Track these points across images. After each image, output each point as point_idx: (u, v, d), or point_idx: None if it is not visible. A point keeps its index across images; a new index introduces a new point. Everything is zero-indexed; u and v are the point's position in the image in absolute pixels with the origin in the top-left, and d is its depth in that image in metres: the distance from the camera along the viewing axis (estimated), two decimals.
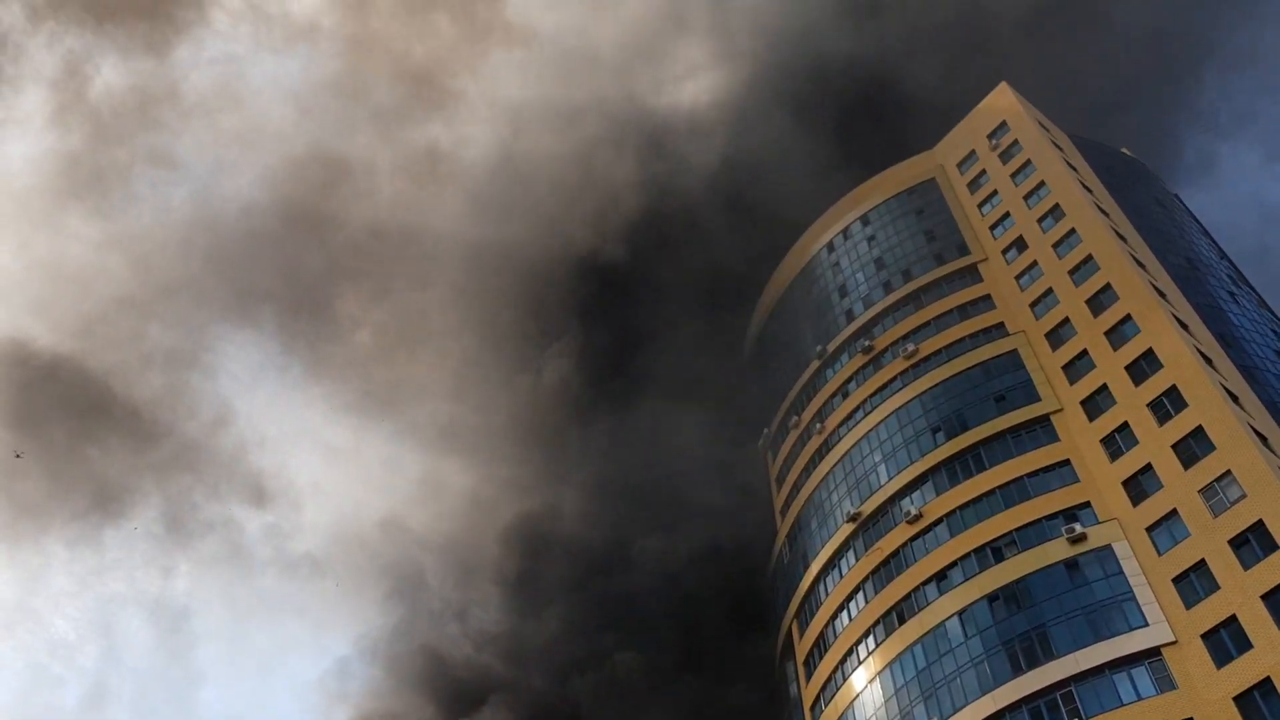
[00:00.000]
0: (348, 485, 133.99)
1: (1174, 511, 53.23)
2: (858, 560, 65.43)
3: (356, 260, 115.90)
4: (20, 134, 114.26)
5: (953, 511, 61.51)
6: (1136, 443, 57.33)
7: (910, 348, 74.18)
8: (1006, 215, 78.66)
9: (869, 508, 66.79)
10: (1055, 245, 72.16)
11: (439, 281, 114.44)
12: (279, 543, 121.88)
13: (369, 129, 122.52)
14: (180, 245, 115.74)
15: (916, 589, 60.00)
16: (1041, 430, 62.62)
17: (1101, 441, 59.24)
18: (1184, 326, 62.35)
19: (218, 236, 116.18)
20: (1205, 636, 48.16)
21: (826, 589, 67.28)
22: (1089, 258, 68.76)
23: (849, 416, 75.21)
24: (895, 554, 62.83)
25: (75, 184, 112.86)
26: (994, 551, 57.98)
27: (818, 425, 77.87)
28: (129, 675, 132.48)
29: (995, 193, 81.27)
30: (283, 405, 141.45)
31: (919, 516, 62.66)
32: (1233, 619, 47.69)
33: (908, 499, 64.71)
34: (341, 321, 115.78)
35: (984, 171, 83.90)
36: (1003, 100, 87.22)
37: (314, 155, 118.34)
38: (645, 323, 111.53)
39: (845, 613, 64.27)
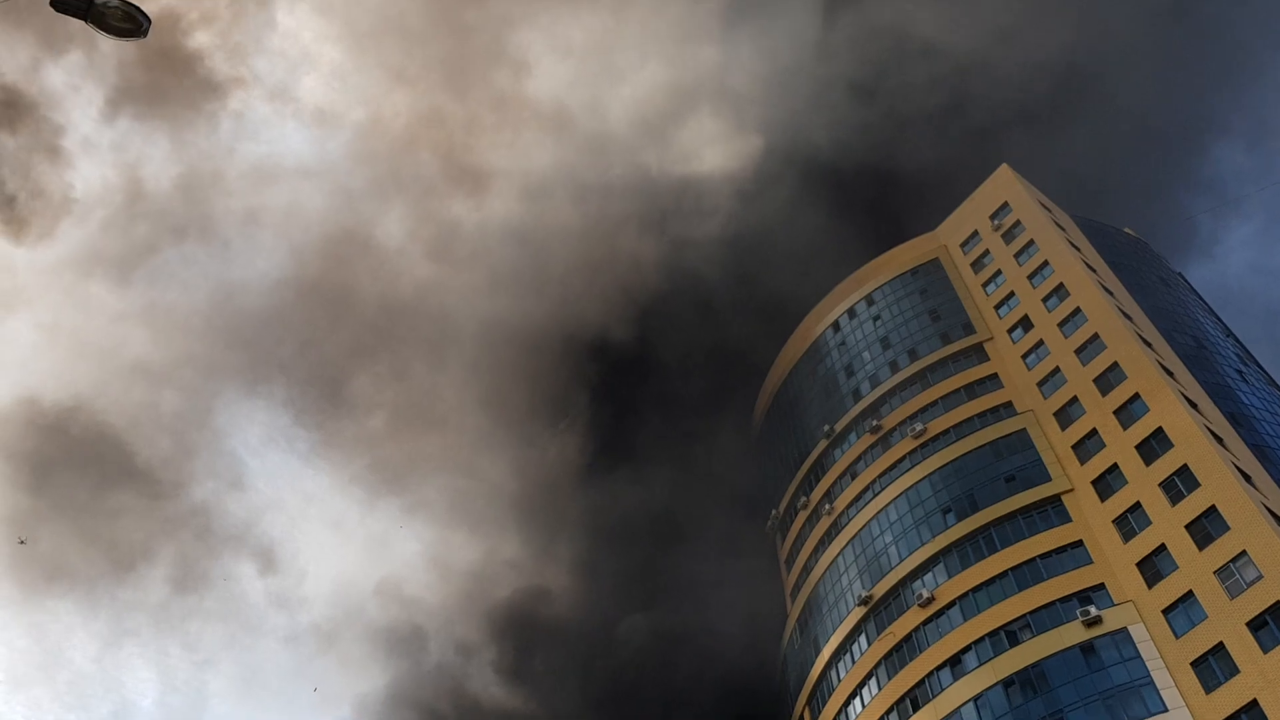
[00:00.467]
0: (353, 558, 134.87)
1: (1190, 593, 52.57)
2: (870, 645, 64.48)
3: (374, 337, 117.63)
4: (69, 213, 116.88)
5: (965, 594, 60.80)
6: (1149, 523, 56.86)
7: (918, 427, 74.01)
8: (1011, 295, 79.03)
9: (880, 590, 66.04)
10: (1061, 324, 72.37)
11: (454, 359, 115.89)
12: (284, 612, 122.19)
13: (393, 207, 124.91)
14: (202, 317, 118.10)
15: (930, 674, 59.03)
16: (1053, 510, 62.18)
17: (1114, 522, 58.78)
18: (1193, 405, 62.20)
19: (239, 310, 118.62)
20: None
21: (839, 675, 66.19)
22: (1095, 336, 68.90)
23: (858, 497, 74.79)
24: (908, 638, 61.96)
25: (106, 258, 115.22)
26: (1008, 635, 57.17)
27: (827, 506, 77.38)
28: None
29: (999, 272, 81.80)
30: (294, 477, 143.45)
31: (931, 599, 61.91)
32: (1254, 704, 46.83)
33: (919, 581, 64.00)
34: (355, 399, 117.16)
35: (987, 252, 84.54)
36: (1004, 182, 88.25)
37: (339, 233, 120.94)
38: (653, 402, 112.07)
39: (858, 699, 63.15)
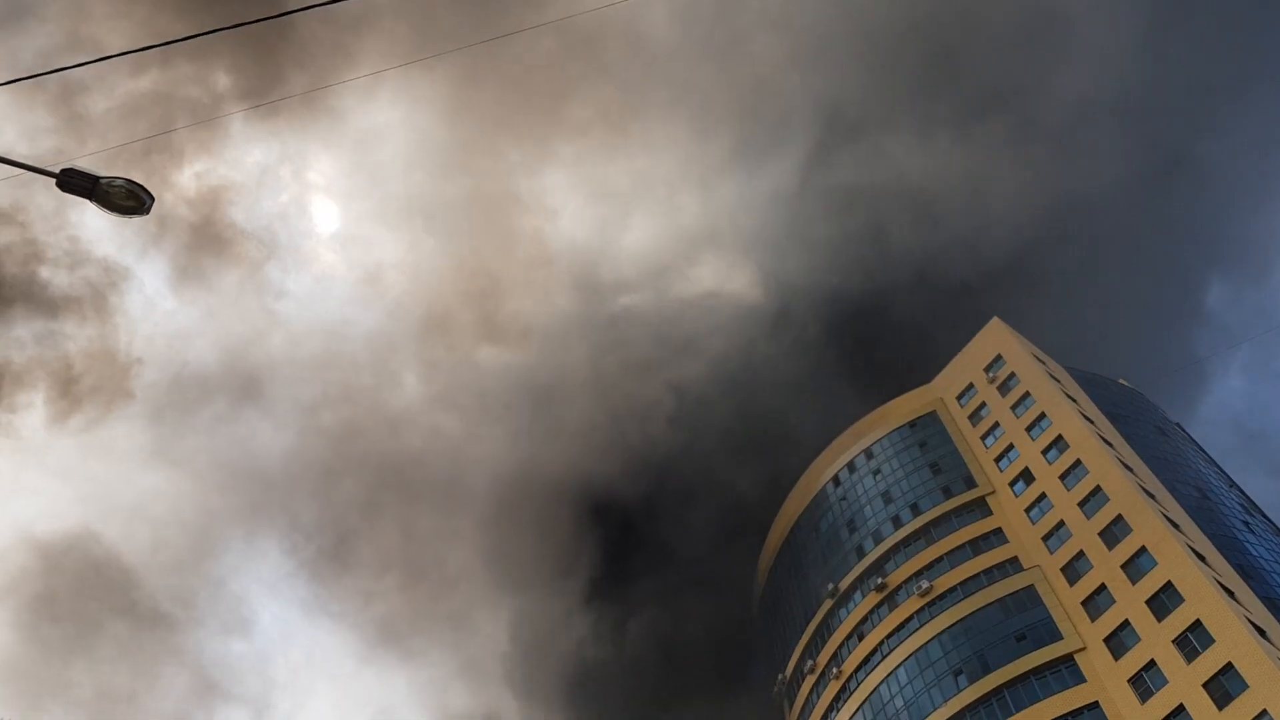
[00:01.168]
0: (347, 708, 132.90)
1: None
2: None
3: (385, 490, 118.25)
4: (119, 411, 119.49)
5: None
6: (1166, 682, 55.23)
7: (924, 585, 72.61)
8: (1010, 447, 78.80)
9: None
10: (1062, 477, 71.89)
11: (462, 514, 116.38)
12: None
13: (412, 360, 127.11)
14: (218, 466, 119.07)
15: None
16: (1066, 670, 60.47)
17: (1129, 681, 57.10)
18: (1201, 558, 61.21)
19: (254, 460, 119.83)
20: None
21: None
22: (1097, 489, 68.36)
23: (867, 659, 72.81)
24: None
25: (129, 409, 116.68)
26: None
27: (834, 669, 75.25)
28: None
29: (997, 424, 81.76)
30: (294, 625, 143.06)
31: None
32: None
33: None
34: (360, 551, 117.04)
35: (984, 404, 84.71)
36: (996, 334, 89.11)
37: (358, 387, 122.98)
38: (656, 561, 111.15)
39: None
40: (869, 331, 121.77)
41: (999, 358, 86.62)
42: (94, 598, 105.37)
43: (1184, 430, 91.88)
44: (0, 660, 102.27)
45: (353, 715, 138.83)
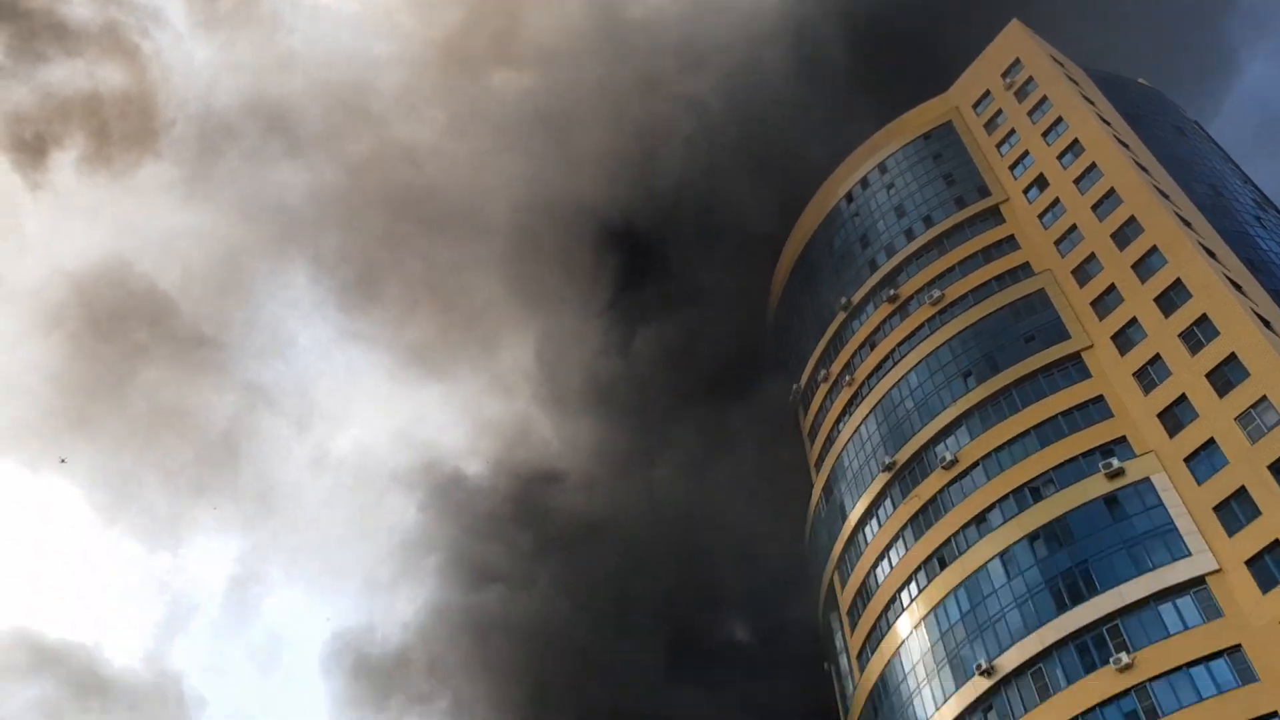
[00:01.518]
0: (385, 420, 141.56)
1: (1211, 440, 52.97)
2: (896, 508, 65.63)
3: (410, 226, 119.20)
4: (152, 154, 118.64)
5: (989, 454, 61.49)
6: (1170, 374, 57.10)
7: (936, 294, 73.92)
8: (1025, 154, 78.01)
9: (904, 456, 66.90)
10: (1076, 181, 71.56)
11: (485, 244, 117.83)
12: (323, 470, 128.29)
13: (430, 85, 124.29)
14: (246, 198, 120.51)
15: (956, 533, 60.11)
16: (1073, 368, 62.48)
17: (1134, 375, 59.03)
18: (1211, 254, 61.85)
19: (282, 193, 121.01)
20: (1249, 563, 47.98)
21: (866, 539, 67.57)
22: (1111, 191, 68.19)
23: (878, 366, 75.18)
24: (933, 500, 62.96)
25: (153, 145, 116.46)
26: (1032, 491, 58.02)
27: (847, 377, 77.91)
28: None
29: (1013, 131, 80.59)
30: (329, 347, 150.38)
31: (955, 461, 62.72)
32: (1276, 544, 47.44)
33: (942, 444, 64.71)
34: (390, 288, 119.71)
35: (1000, 111, 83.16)
36: (1015, 38, 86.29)
37: (379, 117, 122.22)
38: (671, 280, 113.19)
39: (886, 561, 64.59)
40: (883, 40, 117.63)
41: (1017, 61, 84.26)
42: (134, 327, 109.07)
43: (1202, 129, 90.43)
44: (55, 386, 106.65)
45: (389, 423, 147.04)
